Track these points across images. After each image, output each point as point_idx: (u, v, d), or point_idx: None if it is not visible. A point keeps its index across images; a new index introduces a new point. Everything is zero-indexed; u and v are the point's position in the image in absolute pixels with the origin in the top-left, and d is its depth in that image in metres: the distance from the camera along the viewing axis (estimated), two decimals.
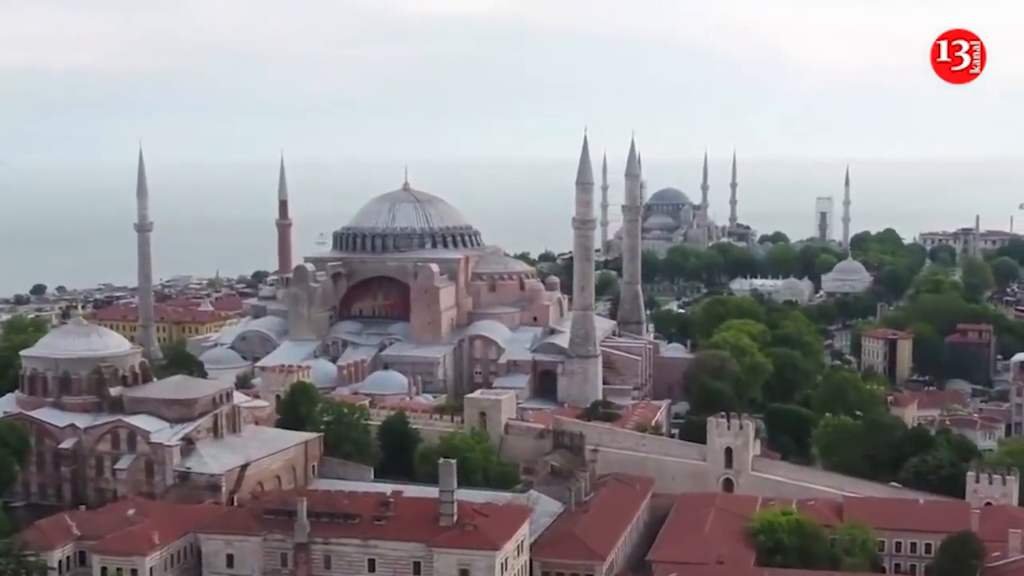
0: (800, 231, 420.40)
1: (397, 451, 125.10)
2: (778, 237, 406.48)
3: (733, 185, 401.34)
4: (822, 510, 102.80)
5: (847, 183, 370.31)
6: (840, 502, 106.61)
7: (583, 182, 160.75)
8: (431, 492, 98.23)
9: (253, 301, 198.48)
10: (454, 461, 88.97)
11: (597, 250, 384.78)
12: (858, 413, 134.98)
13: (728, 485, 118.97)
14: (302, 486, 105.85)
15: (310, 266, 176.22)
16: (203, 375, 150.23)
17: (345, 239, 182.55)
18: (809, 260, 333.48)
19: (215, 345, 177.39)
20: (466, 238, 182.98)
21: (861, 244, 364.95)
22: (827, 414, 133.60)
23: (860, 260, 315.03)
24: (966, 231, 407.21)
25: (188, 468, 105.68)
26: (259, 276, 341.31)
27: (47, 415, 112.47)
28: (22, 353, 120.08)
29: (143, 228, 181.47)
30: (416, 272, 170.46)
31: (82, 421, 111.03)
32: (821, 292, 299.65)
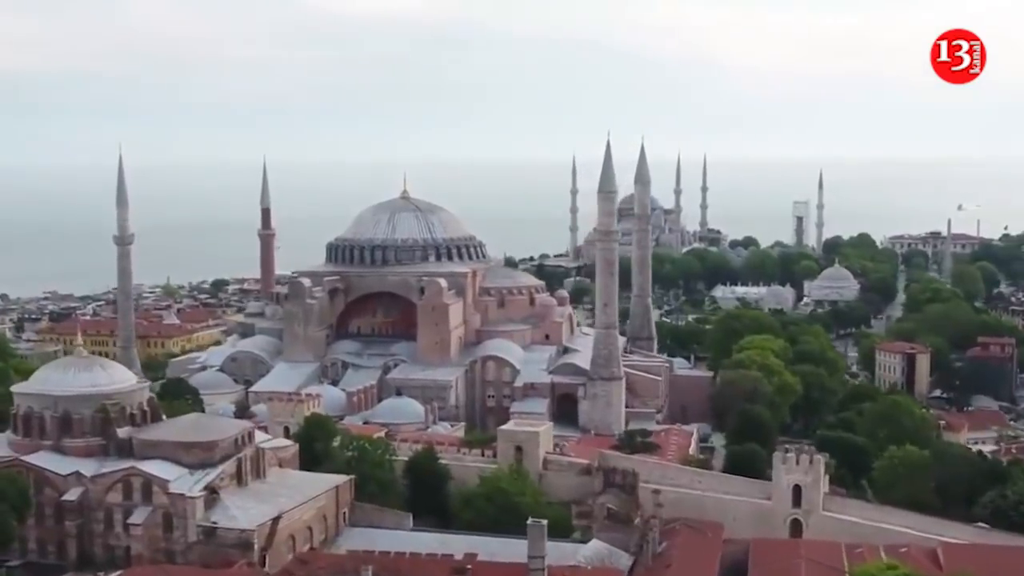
0: (770, 234, 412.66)
1: (425, 491, 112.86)
2: (749, 241, 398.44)
3: (704, 189, 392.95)
4: (918, 558, 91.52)
5: (820, 186, 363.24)
6: (934, 548, 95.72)
7: (607, 191, 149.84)
8: (481, 545, 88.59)
9: (240, 318, 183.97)
10: (545, 522, 77.05)
11: (564, 255, 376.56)
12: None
13: (796, 527, 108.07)
14: (349, 551, 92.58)
15: (306, 281, 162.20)
16: (199, 403, 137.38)
17: (341, 251, 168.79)
18: (787, 266, 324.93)
19: (203, 368, 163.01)
20: (471, 249, 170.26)
21: (837, 249, 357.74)
22: (892, 446, 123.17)
23: (843, 266, 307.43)
24: (935, 235, 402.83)
25: (214, 523, 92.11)
26: (218, 285, 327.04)
27: (47, 461, 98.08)
28: (14, 389, 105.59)
29: (124, 241, 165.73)
30: (422, 287, 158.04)
31: (88, 468, 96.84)
32: (806, 300, 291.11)
